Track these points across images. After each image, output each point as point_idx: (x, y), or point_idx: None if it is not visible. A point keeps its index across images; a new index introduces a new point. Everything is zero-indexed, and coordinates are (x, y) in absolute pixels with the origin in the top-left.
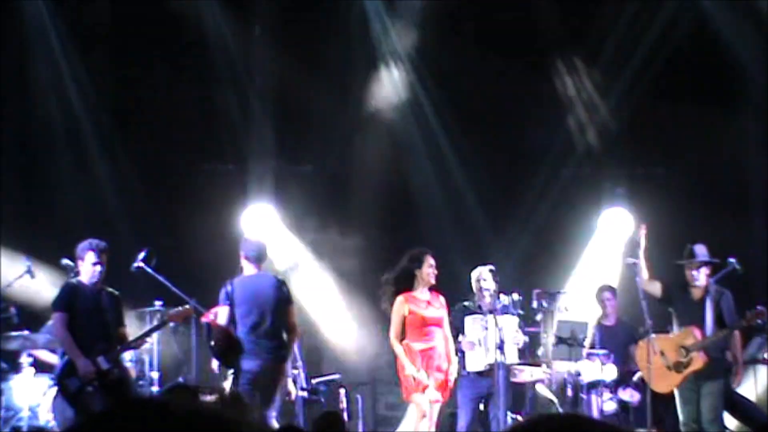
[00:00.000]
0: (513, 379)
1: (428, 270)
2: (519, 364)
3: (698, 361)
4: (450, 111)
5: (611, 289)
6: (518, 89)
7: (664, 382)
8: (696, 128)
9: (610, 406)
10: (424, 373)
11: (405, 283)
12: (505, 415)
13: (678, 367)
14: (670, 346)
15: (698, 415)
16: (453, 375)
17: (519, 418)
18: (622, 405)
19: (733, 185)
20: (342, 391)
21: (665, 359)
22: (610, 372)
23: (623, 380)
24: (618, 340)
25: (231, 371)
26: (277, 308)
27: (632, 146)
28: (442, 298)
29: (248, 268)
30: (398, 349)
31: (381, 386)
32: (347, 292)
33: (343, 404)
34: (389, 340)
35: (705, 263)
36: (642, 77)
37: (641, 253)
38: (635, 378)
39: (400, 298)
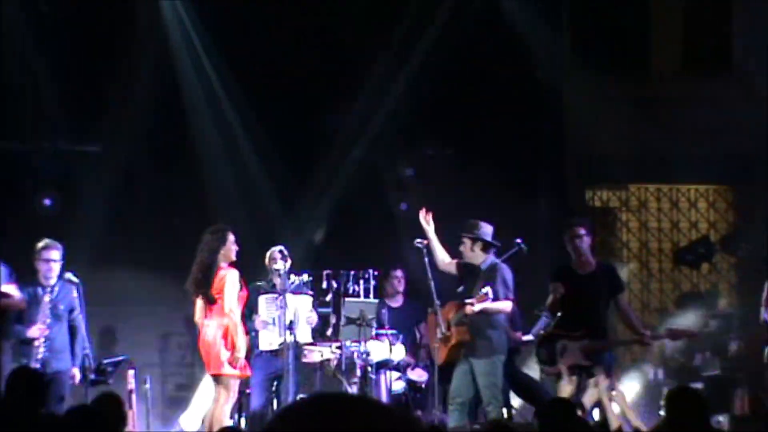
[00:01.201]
0: (303, 360)
1: (231, 246)
2: (310, 344)
3: (455, 335)
4: (241, 91)
5: (403, 269)
6: (310, 70)
7: (438, 354)
8: (486, 109)
9: (399, 386)
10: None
11: (210, 261)
12: (295, 395)
13: (444, 340)
14: (445, 319)
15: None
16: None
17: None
18: (411, 385)
19: (521, 167)
20: (131, 372)
21: (440, 332)
22: (398, 352)
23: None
24: (406, 321)
25: None
26: None
27: (423, 128)
28: None
29: None
30: (240, 327)
31: (170, 367)
32: (138, 273)
33: (132, 385)
34: (229, 315)
35: (475, 240)
36: (432, 58)
37: (431, 234)
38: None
39: (236, 272)
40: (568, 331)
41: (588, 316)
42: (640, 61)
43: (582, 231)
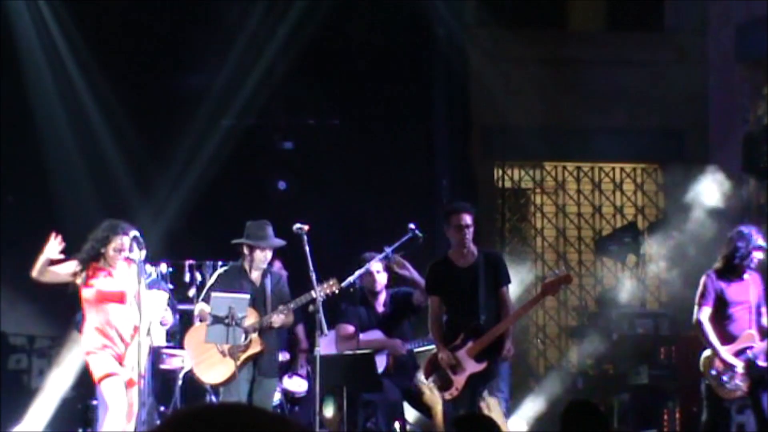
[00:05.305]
0: (161, 366)
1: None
2: (168, 348)
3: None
4: (89, 52)
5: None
6: (170, 26)
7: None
8: (377, 72)
9: (274, 397)
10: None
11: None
12: (151, 405)
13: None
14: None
15: None
16: None
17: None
18: (288, 396)
19: (419, 140)
20: None
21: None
22: None
23: (289, 366)
24: None
25: None
26: None
27: (304, 93)
28: None
29: None
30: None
31: None
32: None
33: None
34: None
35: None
36: (315, 11)
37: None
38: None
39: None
40: (447, 344)
41: (468, 314)
42: (557, 18)
43: (469, 220)
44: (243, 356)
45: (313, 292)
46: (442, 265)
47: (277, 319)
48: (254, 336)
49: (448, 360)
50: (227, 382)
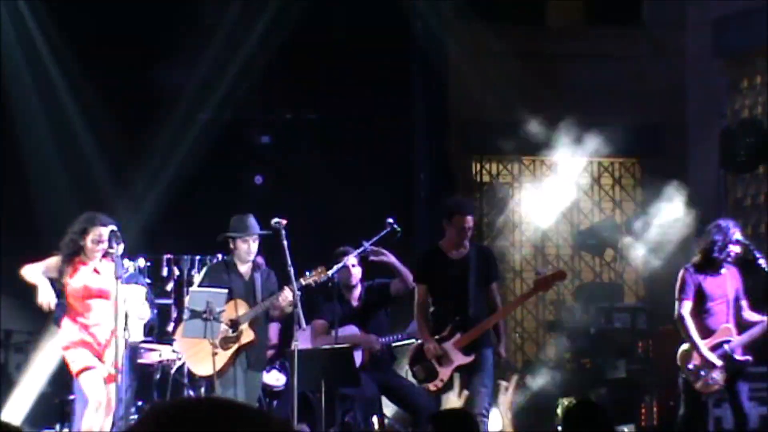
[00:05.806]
0: (139, 360)
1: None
2: (146, 342)
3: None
4: (66, 47)
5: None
6: (148, 20)
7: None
8: (355, 66)
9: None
10: None
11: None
12: (129, 400)
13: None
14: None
15: None
16: None
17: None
18: (266, 390)
19: (396, 134)
20: None
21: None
22: None
23: (268, 361)
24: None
25: None
26: None
27: (281, 87)
28: None
29: None
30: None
31: None
32: None
33: None
34: None
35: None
36: (293, 3)
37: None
38: None
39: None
40: (434, 335)
41: (457, 306)
42: (535, 13)
43: (471, 222)
44: (234, 347)
45: (296, 284)
46: (434, 255)
47: (284, 295)
48: (245, 327)
49: (434, 351)
50: (218, 375)
